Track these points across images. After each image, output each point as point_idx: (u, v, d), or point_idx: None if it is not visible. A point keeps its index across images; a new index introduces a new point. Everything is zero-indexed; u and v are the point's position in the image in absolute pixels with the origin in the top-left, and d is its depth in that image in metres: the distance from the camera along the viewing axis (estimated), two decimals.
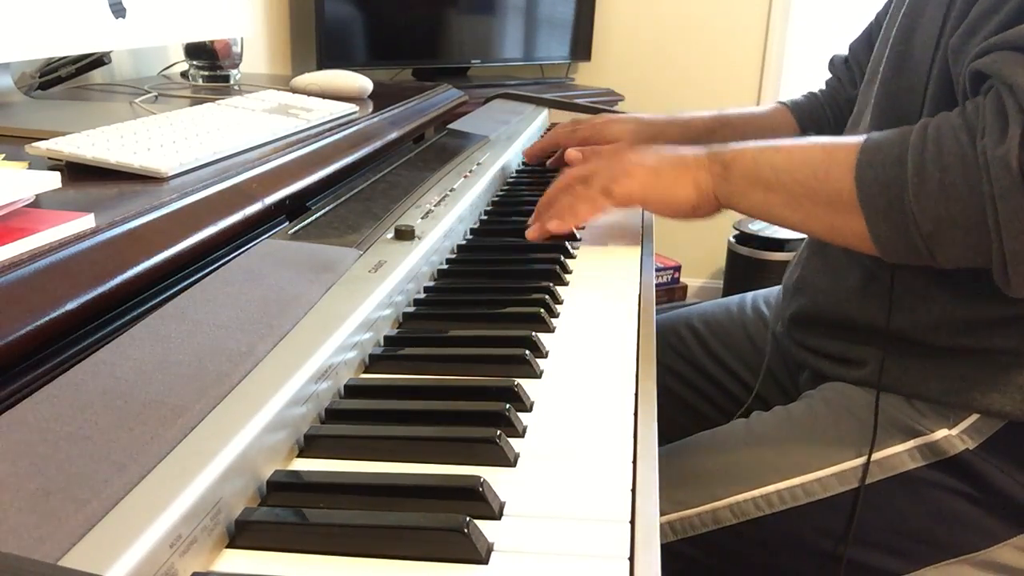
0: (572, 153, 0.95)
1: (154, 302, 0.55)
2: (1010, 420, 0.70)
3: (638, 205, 0.78)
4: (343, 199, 0.77)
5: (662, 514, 0.76)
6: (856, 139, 0.67)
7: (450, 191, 0.85)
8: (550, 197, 0.82)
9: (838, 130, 0.95)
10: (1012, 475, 0.71)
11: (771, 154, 0.72)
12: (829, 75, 1.06)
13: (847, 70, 1.02)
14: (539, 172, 1.10)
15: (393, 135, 0.97)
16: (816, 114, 1.03)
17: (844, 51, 1.05)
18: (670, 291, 2.67)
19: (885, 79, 0.78)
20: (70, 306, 0.45)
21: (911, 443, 0.72)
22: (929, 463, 0.71)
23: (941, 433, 0.71)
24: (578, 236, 0.86)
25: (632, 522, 0.39)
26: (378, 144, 0.92)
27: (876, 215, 0.64)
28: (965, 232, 0.61)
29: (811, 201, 0.69)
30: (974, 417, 0.71)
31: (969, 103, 0.63)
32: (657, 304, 0.70)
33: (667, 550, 0.76)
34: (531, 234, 0.80)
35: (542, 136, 1.17)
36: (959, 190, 0.60)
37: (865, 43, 0.99)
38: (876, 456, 0.72)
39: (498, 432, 0.45)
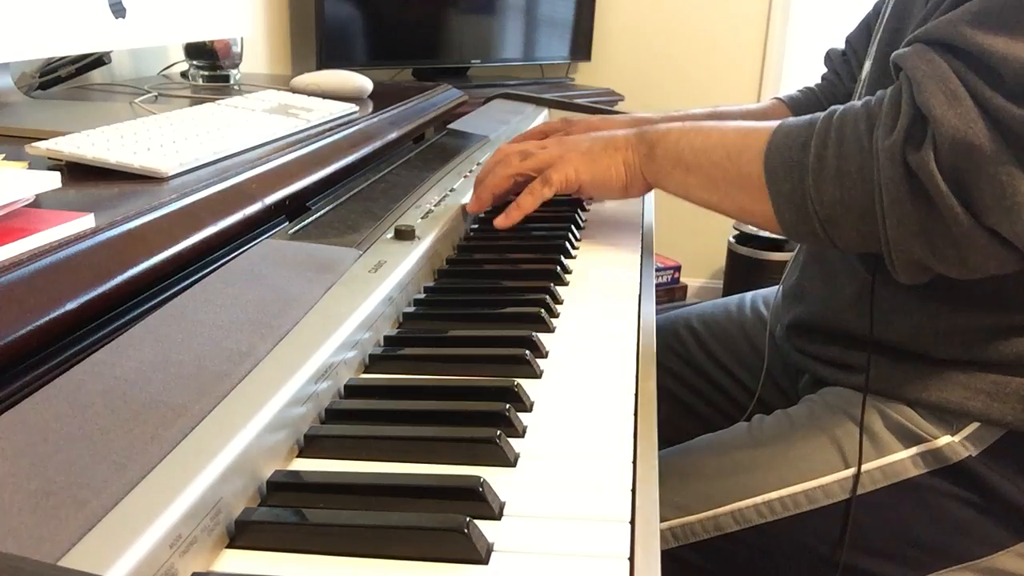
0: None
1: (154, 302, 0.55)
2: (1010, 429, 0.70)
3: (575, 189, 0.80)
4: (343, 199, 0.77)
5: (663, 520, 0.75)
6: (771, 124, 0.69)
7: (450, 191, 0.85)
8: (487, 171, 0.84)
9: None
10: (1015, 482, 0.70)
11: (693, 135, 0.74)
12: (825, 70, 1.05)
13: (845, 63, 1.00)
14: None
15: (393, 135, 0.97)
16: (813, 110, 1.01)
17: (831, 47, 1.04)
18: (670, 291, 2.67)
19: (871, 82, 0.78)
20: (70, 306, 0.45)
21: (914, 450, 0.71)
22: (932, 470, 0.71)
23: (944, 440, 0.71)
24: (582, 222, 0.86)
25: (632, 522, 0.39)
26: (378, 144, 0.92)
27: (780, 198, 0.66)
28: (858, 218, 0.63)
29: (725, 183, 0.71)
30: (976, 424, 0.70)
31: (877, 93, 0.64)
32: (657, 304, 0.70)
33: (669, 556, 0.76)
34: (471, 208, 0.83)
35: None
36: (853, 178, 0.62)
37: (864, 35, 0.97)
38: (879, 463, 0.72)
39: (498, 432, 0.45)
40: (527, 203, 0.79)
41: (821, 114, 0.66)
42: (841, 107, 0.66)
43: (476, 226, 0.88)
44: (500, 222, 0.80)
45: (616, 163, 0.78)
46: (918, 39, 0.62)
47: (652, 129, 0.78)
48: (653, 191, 0.83)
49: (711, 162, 0.72)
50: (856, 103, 0.65)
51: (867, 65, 0.81)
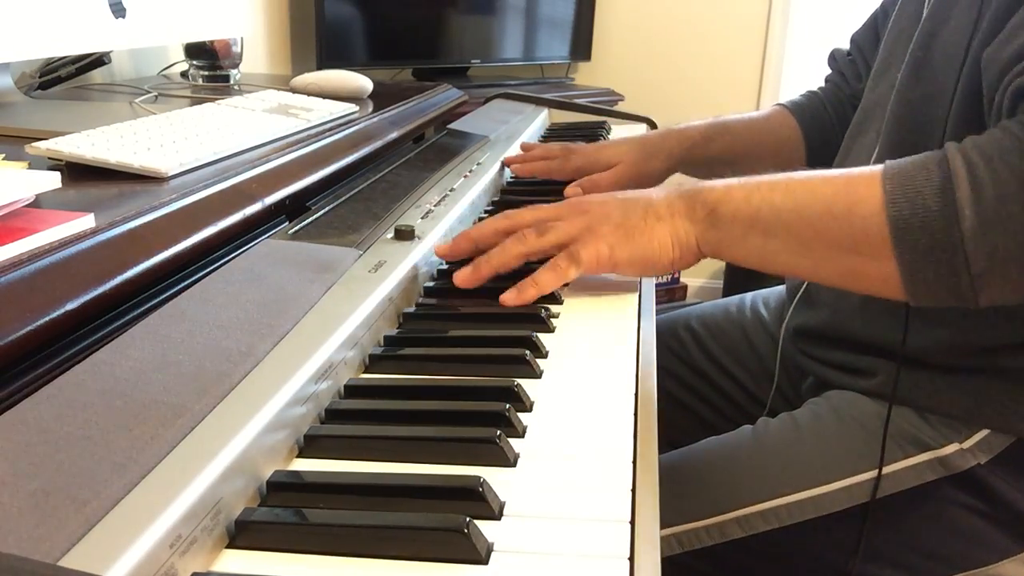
0: (571, 191, 0.92)
1: (154, 302, 0.55)
2: (1020, 437, 0.69)
3: (609, 270, 0.67)
4: (343, 199, 0.77)
5: (668, 526, 0.75)
6: (871, 170, 0.60)
7: (450, 191, 0.85)
8: (487, 236, 0.69)
9: (842, 130, 0.91)
10: (1022, 490, 0.70)
11: (767, 192, 0.63)
12: (829, 71, 1.03)
13: (851, 64, 0.99)
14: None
15: (393, 135, 0.97)
16: (818, 114, 1.01)
17: (836, 47, 1.02)
18: (670, 291, 2.67)
19: (903, 86, 0.75)
20: (70, 306, 0.45)
21: (922, 457, 0.71)
22: (940, 478, 0.70)
23: (952, 447, 0.70)
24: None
25: (632, 522, 0.39)
26: (378, 144, 0.92)
27: (915, 254, 0.57)
28: (1021, 267, 0.55)
29: (825, 244, 0.61)
30: (985, 432, 0.70)
31: (1014, 123, 0.57)
32: (657, 304, 0.70)
33: (673, 563, 0.75)
34: (459, 280, 0.66)
35: (531, 149, 1.13)
36: (1017, 221, 0.54)
37: (871, 34, 0.96)
38: (887, 470, 0.71)
39: (498, 432, 0.45)
40: (547, 281, 0.65)
41: (938, 152, 0.58)
42: (968, 143, 0.58)
43: None
44: (510, 297, 0.64)
45: (661, 235, 0.65)
46: None
47: (705, 188, 0.65)
48: None
49: (804, 222, 0.61)
50: (992, 135, 0.57)
51: (899, 69, 0.77)
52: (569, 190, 0.92)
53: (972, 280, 0.56)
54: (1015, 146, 0.56)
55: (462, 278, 0.66)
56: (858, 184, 0.60)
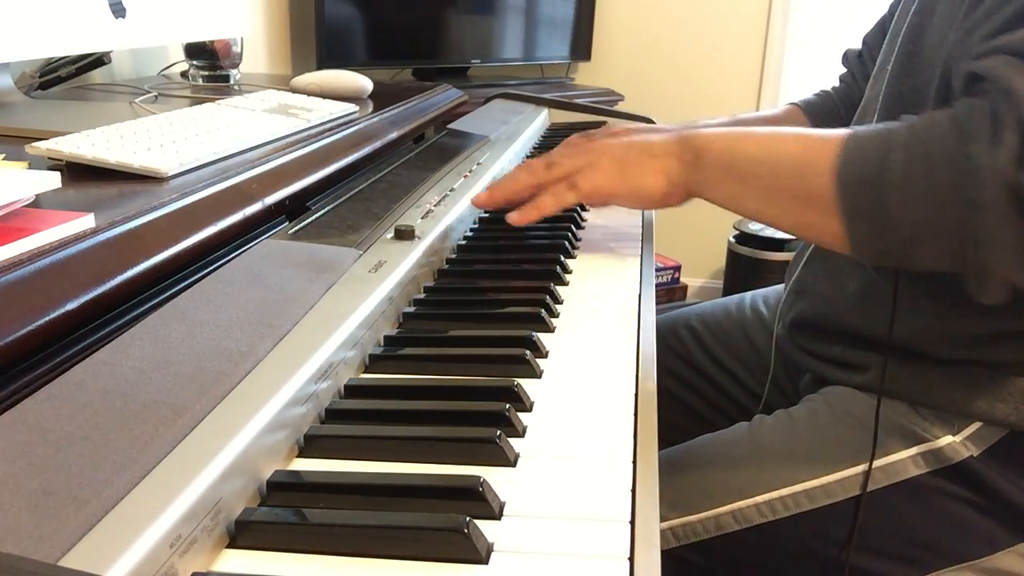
0: None
1: (154, 302, 0.55)
2: (1012, 429, 0.70)
3: (606, 199, 0.75)
4: (343, 199, 0.77)
5: (664, 520, 0.75)
6: (838, 133, 0.65)
7: (450, 191, 0.85)
8: (512, 174, 0.81)
9: None
10: (1016, 482, 0.70)
11: (746, 143, 0.69)
12: (843, 71, 1.03)
13: (861, 65, 0.99)
14: None
15: (393, 135, 0.97)
16: (830, 114, 1.01)
17: (849, 47, 1.03)
18: (670, 291, 2.67)
19: (893, 78, 0.77)
20: (70, 306, 0.45)
21: (915, 449, 0.71)
22: (933, 470, 0.71)
23: (945, 440, 0.71)
24: (582, 222, 0.86)
25: (632, 522, 0.39)
26: (378, 144, 0.92)
27: (854, 215, 0.62)
28: (945, 238, 0.59)
29: (786, 196, 0.66)
30: (977, 424, 0.70)
31: (960, 104, 0.61)
32: (657, 304, 0.70)
33: (670, 556, 0.75)
34: (478, 201, 0.80)
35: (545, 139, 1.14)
36: (944, 195, 0.58)
37: (879, 35, 0.95)
38: (880, 463, 0.72)
39: (498, 432, 0.45)
40: (547, 204, 0.75)
41: (895, 125, 0.62)
42: (919, 119, 0.62)
43: (476, 226, 0.88)
44: (514, 217, 0.77)
45: (654, 171, 0.72)
46: (998, 50, 0.59)
47: (694, 134, 0.72)
48: None
49: (772, 173, 0.66)
50: (937, 114, 0.61)
51: (891, 63, 0.78)
52: None
53: (902, 244, 0.60)
54: (952, 126, 0.59)
55: (479, 201, 0.80)
56: (821, 144, 0.65)
